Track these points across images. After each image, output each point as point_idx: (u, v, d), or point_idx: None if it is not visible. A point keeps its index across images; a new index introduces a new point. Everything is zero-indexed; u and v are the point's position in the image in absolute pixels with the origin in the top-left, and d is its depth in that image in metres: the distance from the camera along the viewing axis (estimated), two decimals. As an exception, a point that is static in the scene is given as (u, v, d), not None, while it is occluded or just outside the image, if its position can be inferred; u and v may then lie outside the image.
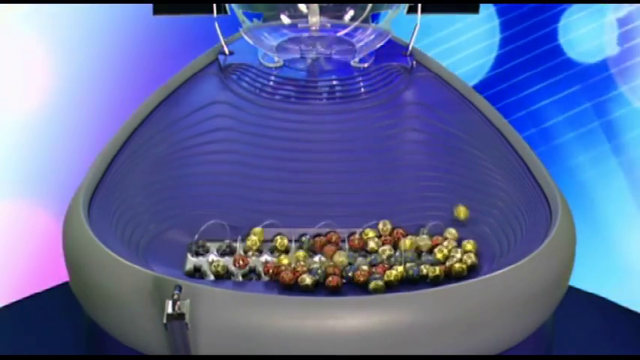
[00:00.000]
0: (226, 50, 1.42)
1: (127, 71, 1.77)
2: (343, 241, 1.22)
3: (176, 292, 1.02)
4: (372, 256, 1.19)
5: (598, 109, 1.83)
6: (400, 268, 1.16)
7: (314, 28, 1.40)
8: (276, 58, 1.40)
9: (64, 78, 1.76)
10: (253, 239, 1.20)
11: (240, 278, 1.17)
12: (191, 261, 1.19)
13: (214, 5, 1.40)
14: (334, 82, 1.38)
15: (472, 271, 1.17)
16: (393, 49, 1.42)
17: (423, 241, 1.21)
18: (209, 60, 1.42)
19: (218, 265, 1.16)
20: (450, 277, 1.16)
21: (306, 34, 1.41)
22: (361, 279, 1.15)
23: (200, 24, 1.46)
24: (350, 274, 1.15)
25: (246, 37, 1.40)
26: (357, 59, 1.40)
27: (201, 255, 1.20)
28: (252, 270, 1.18)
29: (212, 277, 1.16)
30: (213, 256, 1.19)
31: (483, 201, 1.25)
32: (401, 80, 1.39)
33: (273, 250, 1.21)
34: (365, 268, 1.16)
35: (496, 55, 1.84)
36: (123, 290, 1.08)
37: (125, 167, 1.27)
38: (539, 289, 1.11)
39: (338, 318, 1.04)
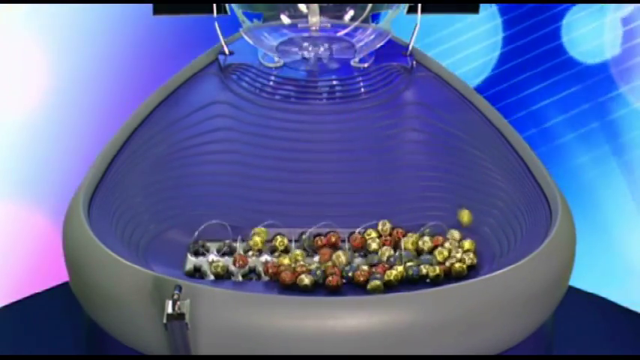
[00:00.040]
0: (226, 50, 1.42)
1: (127, 71, 1.77)
2: (343, 241, 1.22)
3: (176, 292, 1.02)
4: (372, 256, 1.19)
5: (599, 109, 1.83)
6: (400, 268, 1.16)
7: (314, 28, 1.40)
8: (276, 58, 1.40)
9: (63, 78, 1.76)
10: (256, 240, 1.20)
11: (240, 278, 1.17)
12: (191, 261, 1.19)
13: (214, 5, 1.40)
14: (334, 82, 1.38)
15: (472, 271, 1.17)
16: (393, 49, 1.42)
17: (424, 242, 1.21)
18: (209, 60, 1.42)
19: (218, 266, 1.17)
20: (449, 277, 1.16)
21: (306, 34, 1.41)
22: (361, 279, 1.15)
23: (200, 24, 1.46)
24: (350, 274, 1.15)
25: (246, 37, 1.40)
26: (357, 59, 1.39)
27: (201, 255, 1.20)
28: (252, 270, 1.18)
29: (212, 277, 1.17)
30: (213, 256, 1.19)
31: (483, 201, 1.25)
32: (401, 80, 1.39)
33: (273, 250, 1.21)
34: (365, 268, 1.16)
35: (498, 54, 1.84)
36: (123, 290, 1.08)
37: (125, 167, 1.27)
38: (539, 289, 1.11)
39: (338, 318, 1.04)
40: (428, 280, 1.16)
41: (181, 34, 1.73)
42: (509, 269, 1.09)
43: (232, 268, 1.18)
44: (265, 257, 1.19)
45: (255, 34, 1.41)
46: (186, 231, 1.22)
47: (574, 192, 1.74)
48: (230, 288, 1.10)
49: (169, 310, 1.01)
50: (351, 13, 1.41)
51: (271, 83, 1.37)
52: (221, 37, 1.42)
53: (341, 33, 1.41)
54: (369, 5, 1.40)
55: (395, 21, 1.42)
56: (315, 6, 1.40)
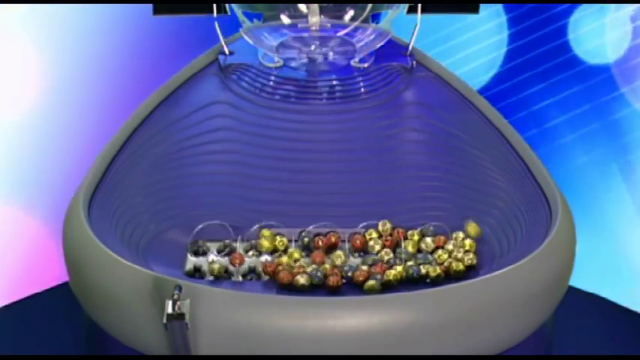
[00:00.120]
0: (226, 50, 1.42)
1: (127, 71, 1.77)
2: (343, 241, 1.22)
3: (176, 292, 1.02)
4: (370, 256, 1.19)
5: (600, 109, 1.83)
6: (399, 268, 1.16)
7: (314, 28, 1.40)
8: (276, 58, 1.40)
9: (61, 79, 1.76)
10: (265, 244, 1.20)
11: (240, 278, 1.17)
12: (191, 261, 1.19)
13: (214, 5, 1.40)
14: (334, 82, 1.38)
15: (472, 271, 1.17)
16: (393, 49, 1.42)
17: (427, 243, 1.21)
18: (209, 60, 1.42)
19: (214, 267, 1.16)
20: (449, 277, 1.16)
21: (306, 34, 1.41)
22: (360, 279, 1.15)
23: (200, 24, 1.46)
24: (349, 274, 1.15)
25: (246, 37, 1.40)
26: (357, 59, 1.39)
27: (201, 255, 1.20)
28: (252, 270, 1.18)
29: (212, 277, 1.17)
30: (213, 256, 1.19)
31: (483, 201, 1.25)
32: (401, 80, 1.39)
33: (274, 251, 1.21)
34: (364, 268, 1.16)
35: (504, 52, 1.84)
36: (123, 290, 1.08)
37: (125, 167, 1.27)
38: (539, 289, 1.11)
39: (338, 318, 1.04)
40: (428, 280, 1.16)
41: (181, 34, 1.73)
42: (509, 269, 1.09)
43: (232, 268, 1.18)
44: (265, 257, 1.19)
45: (255, 34, 1.41)
46: (186, 231, 1.22)
47: (574, 192, 1.74)
48: (230, 288, 1.10)
49: (169, 310, 1.01)
50: (351, 13, 1.41)
51: (271, 83, 1.37)
52: (221, 37, 1.42)
53: (341, 33, 1.41)
54: (369, 5, 1.40)
55: (395, 21, 1.42)
56: (315, 6, 1.40)
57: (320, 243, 1.21)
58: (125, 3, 1.71)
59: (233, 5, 1.41)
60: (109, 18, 1.75)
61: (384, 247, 1.21)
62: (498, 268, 1.11)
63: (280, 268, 1.15)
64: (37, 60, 1.75)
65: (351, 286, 1.15)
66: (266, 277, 1.16)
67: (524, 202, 1.23)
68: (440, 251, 1.19)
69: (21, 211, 1.76)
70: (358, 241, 1.21)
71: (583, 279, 1.35)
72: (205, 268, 1.18)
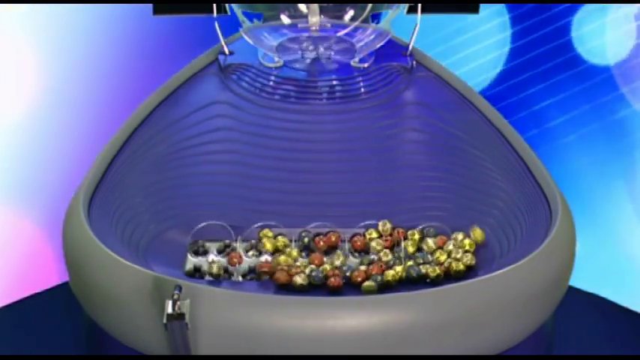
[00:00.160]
0: (226, 50, 1.42)
1: (127, 71, 1.77)
2: (343, 241, 1.22)
3: (176, 292, 1.02)
4: (372, 257, 1.19)
5: (601, 110, 1.83)
6: (399, 268, 1.16)
7: (314, 28, 1.40)
8: (276, 58, 1.40)
9: (58, 79, 1.76)
10: (266, 245, 1.20)
11: (240, 278, 1.17)
12: (191, 261, 1.19)
13: (214, 5, 1.40)
14: (334, 82, 1.38)
15: (472, 271, 1.17)
16: (393, 49, 1.42)
17: (428, 245, 1.21)
18: (209, 60, 1.42)
19: (218, 266, 1.16)
20: (449, 277, 1.16)
21: (306, 34, 1.41)
22: (359, 279, 1.15)
23: (200, 24, 1.46)
24: (347, 274, 1.15)
25: (246, 37, 1.40)
26: (357, 59, 1.39)
27: (201, 255, 1.20)
28: (252, 270, 1.18)
29: (212, 277, 1.17)
30: (213, 256, 1.19)
31: (483, 201, 1.25)
32: (401, 80, 1.39)
33: (274, 251, 1.21)
34: (362, 268, 1.16)
35: (506, 51, 1.84)
36: (123, 290, 1.08)
37: (125, 167, 1.27)
38: (539, 289, 1.11)
39: (338, 318, 1.04)
40: (428, 280, 1.16)
41: (181, 34, 1.73)
42: (509, 269, 1.09)
43: (231, 268, 1.18)
44: (265, 257, 1.19)
45: (255, 34, 1.41)
46: (186, 231, 1.22)
47: (574, 192, 1.74)
48: (230, 288, 1.10)
49: (169, 310, 1.01)
50: (351, 13, 1.41)
51: (271, 83, 1.37)
52: (221, 37, 1.42)
53: (341, 33, 1.41)
54: (369, 5, 1.40)
55: (395, 21, 1.42)
56: (315, 6, 1.40)
57: (321, 243, 1.21)
58: (125, 3, 1.71)
59: (233, 5, 1.41)
60: (109, 18, 1.75)
61: (384, 247, 1.21)
62: (498, 268, 1.11)
63: (278, 268, 1.15)
64: (36, 60, 1.75)
65: (351, 287, 1.15)
66: (266, 277, 1.16)
67: (524, 202, 1.23)
68: (440, 251, 1.20)
69: (16, 213, 1.76)
70: (359, 242, 1.21)
71: (583, 279, 1.35)
72: (205, 268, 1.18)
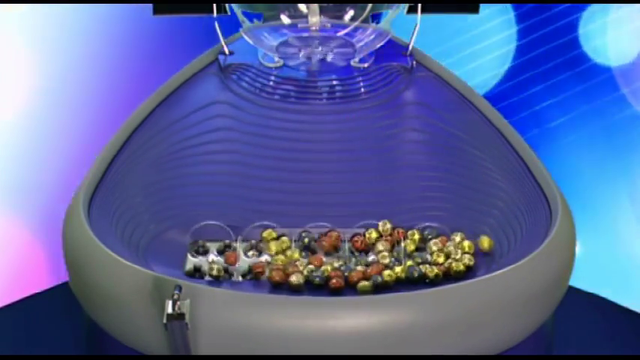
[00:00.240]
0: (226, 50, 1.42)
1: (126, 71, 1.76)
2: (343, 241, 1.22)
3: (176, 292, 1.02)
4: (370, 257, 1.19)
5: (602, 110, 1.83)
6: (398, 269, 1.16)
7: (314, 28, 1.40)
8: (276, 58, 1.40)
9: (59, 80, 1.75)
10: (270, 247, 1.20)
11: (240, 278, 1.17)
12: (191, 261, 1.19)
13: (214, 5, 1.40)
14: (334, 82, 1.38)
15: (471, 272, 1.17)
16: (393, 49, 1.42)
17: (429, 246, 1.21)
18: (209, 60, 1.42)
19: (218, 266, 1.16)
20: (449, 277, 1.16)
21: (306, 34, 1.41)
22: (355, 280, 1.15)
23: (200, 24, 1.46)
24: (346, 274, 1.15)
25: (246, 37, 1.40)
26: (357, 59, 1.39)
27: (201, 255, 1.20)
28: (252, 270, 1.18)
29: (212, 277, 1.17)
30: (213, 256, 1.19)
31: (483, 201, 1.25)
32: (401, 80, 1.39)
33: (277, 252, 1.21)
34: (359, 268, 1.16)
35: (509, 51, 1.83)
36: (123, 290, 1.08)
37: (125, 167, 1.27)
38: (539, 289, 1.11)
39: (338, 318, 1.04)
40: (427, 281, 1.16)
41: (181, 34, 1.73)
42: (509, 269, 1.09)
43: (231, 268, 1.18)
44: (265, 257, 1.19)
45: (255, 34, 1.41)
46: (186, 231, 1.22)
47: (574, 192, 1.74)
48: (230, 288, 1.10)
49: (169, 310, 1.01)
50: (351, 13, 1.41)
51: (271, 83, 1.37)
52: (221, 37, 1.42)
53: (341, 33, 1.41)
54: (369, 5, 1.40)
55: (395, 21, 1.42)
56: (315, 6, 1.40)
57: (324, 243, 1.21)
58: (125, 3, 1.71)
59: (233, 5, 1.41)
60: (109, 18, 1.75)
61: (387, 248, 1.21)
62: (498, 268, 1.11)
63: (274, 267, 1.15)
64: (35, 60, 1.75)
65: (351, 287, 1.15)
66: (264, 277, 1.16)
67: (524, 202, 1.23)
68: (439, 251, 1.19)
69: (8, 215, 1.75)
70: (359, 242, 1.21)
71: (583, 279, 1.35)
72: (205, 268, 1.18)
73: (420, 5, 1.41)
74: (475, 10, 1.44)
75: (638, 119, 1.82)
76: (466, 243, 1.20)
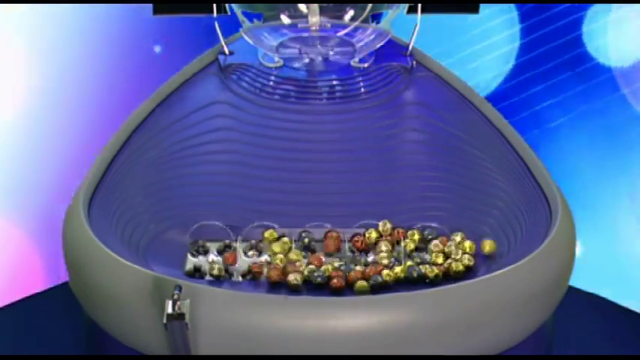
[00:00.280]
0: (226, 50, 1.42)
1: (125, 72, 1.76)
2: (343, 241, 1.22)
3: (176, 292, 1.02)
4: (369, 257, 1.19)
5: (602, 110, 1.83)
6: (398, 269, 1.16)
7: (314, 28, 1.40)
8: (276, 58, 1.40)
9: (59, 80, 1.75)
10: (274, 249, 1.20)
11: (240, 278, 1.17)
12: (191, 261, 1.19)
13: (214, 5, 1.40)
14: (334, 82, 1.38)
15: (471, 272, 1.17)
16: (393, 49, 1.42)
17: (426, 243, 1.21)
18: (209, 60, 1.42)
19: (218, 266, 1.16)
20: (449, 277, 1.16)
21: (306, 34, 1.41)
22: (357, 280, 1.15)
23: (200, 24, 1.46)
24: (346, 274, 1.15)
25: (246, 37, 1.40)
26: (357, 59, 1.39)
27: (202, 255, 1.20)
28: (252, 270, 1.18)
29: (212, 277, 1.17)
30: (213, 256, 1.19)
31: (483, 201, 1.25)
32: (401, 80, 1.39)
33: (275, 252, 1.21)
34: (358, 268, 1.16)
35: (510, 50, 1.83)
36: (123, 290, 1.08)
37: (125, 167, 1.27)
38: (539, 289, 1.11)
39: (339, 318, 1.04)
40: (427, 281, 1.16)
41: (181, 34, 1.73)
42: (509, 269, 1.09)
43: (231, 268, 1.18)
44: (265, 257, 1.19)
45: (255, 34, 1.41)
46: (186, 231, 1.22)
47: (574, 192, 1.74)
48: (230, 288, 1.10)
49: (169, 310, 1.01)
50: (351, 13, 1.41)
51: (271, 83, 1.37)
52: (221, 37, 1.42)
53: (341, 33, 1.41)
54: (369, 5, 1.40)
55: (395, 21, 1.42)
56: (315, 6, 1.40)
57: (329, 244, 1.21)
58: (125, 3, 1.70)
59: (233, 5, 1.41)
60: (109, 18, 1.75)
61: (390, 248, 1.21)
62: (498, 268, 1.11)
63: (271, 266, 1.15)
64: (34, 60, 1.75)
65: (351, 287, 1.15)
66: (263, 277, 1.16)
67: (524, 202, 1.23)
68: (439, 252, 1.19)
69: (4, 215, 1.75)
70: (359, 242, 1.21)
71: (583, 279, 1.35)
72: (205, 268, 1.18)
73: (420, 5, 1.41)
74: (475, 10, 1.44)
75: (638, 119, 1.83)
76: (467, 243, 1.20)
